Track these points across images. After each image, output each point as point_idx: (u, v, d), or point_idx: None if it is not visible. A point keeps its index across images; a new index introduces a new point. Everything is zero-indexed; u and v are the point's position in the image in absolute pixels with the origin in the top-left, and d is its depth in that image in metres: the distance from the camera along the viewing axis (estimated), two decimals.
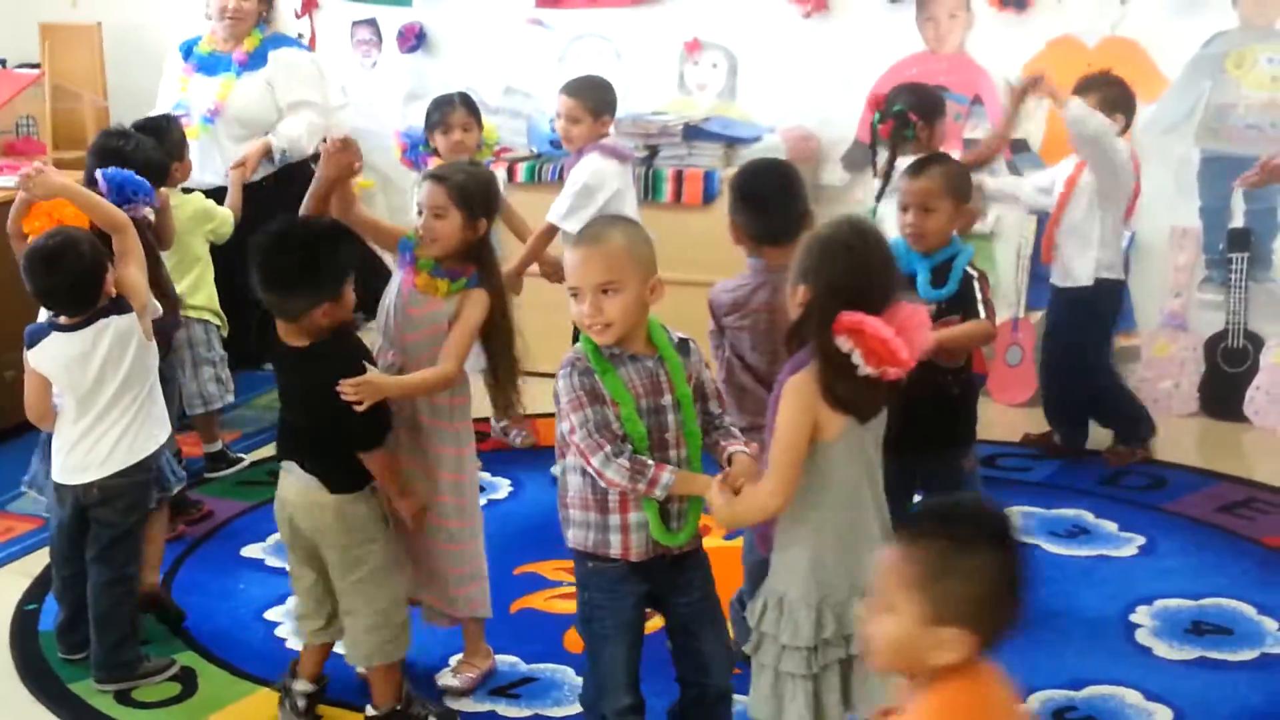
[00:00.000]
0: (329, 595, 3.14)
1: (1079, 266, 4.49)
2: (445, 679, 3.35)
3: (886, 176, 4.29)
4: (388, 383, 3.08)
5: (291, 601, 3.22)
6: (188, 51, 5.02)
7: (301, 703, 3.19)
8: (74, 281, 3.25)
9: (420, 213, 3.18)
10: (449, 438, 3.27)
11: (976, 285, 3.30)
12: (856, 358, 2.44)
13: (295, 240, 3.01)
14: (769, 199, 3.23)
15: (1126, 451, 4.64)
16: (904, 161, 4.27)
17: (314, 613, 3.17)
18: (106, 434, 3.33)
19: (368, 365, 3.04)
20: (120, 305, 3.34)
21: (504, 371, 3.25)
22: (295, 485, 3.07)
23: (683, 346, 2.72)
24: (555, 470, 3.03)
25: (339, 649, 3.22)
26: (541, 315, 5.12)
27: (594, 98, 4.53)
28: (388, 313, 3.24)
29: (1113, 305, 4.62)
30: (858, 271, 2.51)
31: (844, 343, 2.45)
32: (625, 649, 2.74)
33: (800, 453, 2.51)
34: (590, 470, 2.62)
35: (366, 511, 3.08)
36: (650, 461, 2.60)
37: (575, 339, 2.75)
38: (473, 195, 3.13)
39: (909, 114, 4.29)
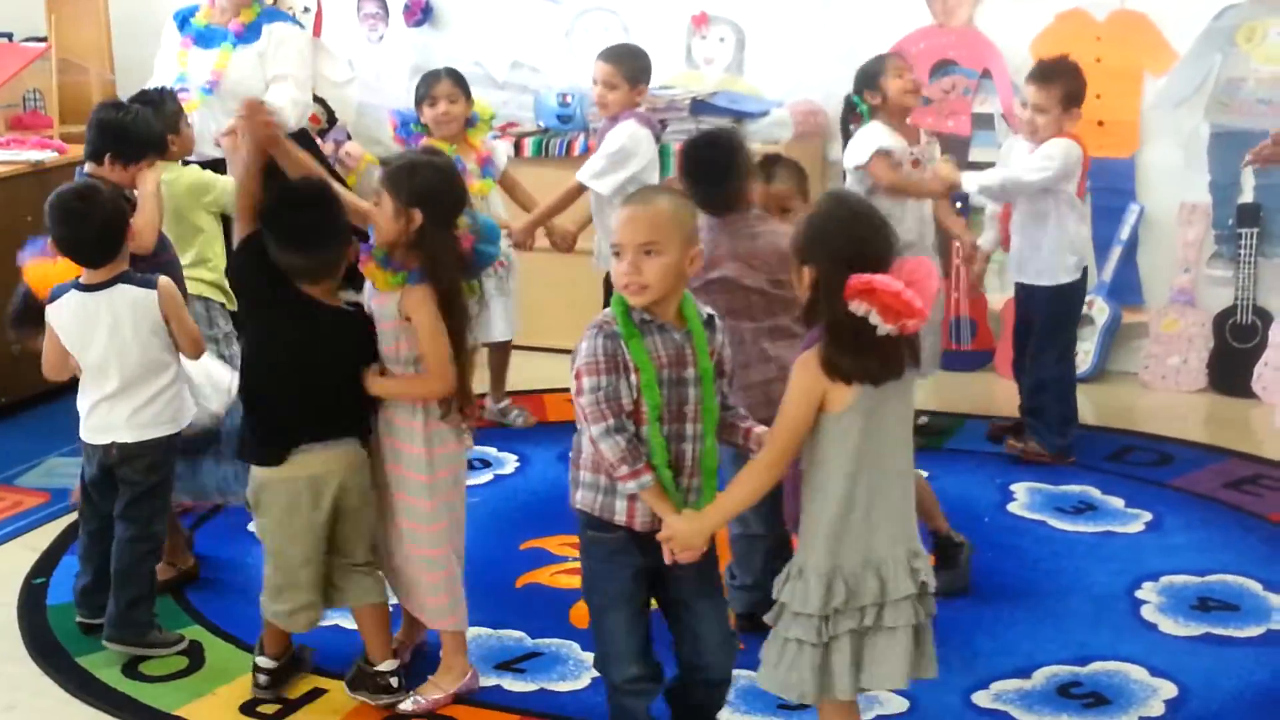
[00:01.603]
0: (317, 583, 3.18)
1: (1032, 266, 4.43)
2: (404, 705, 3.21)
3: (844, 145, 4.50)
4: (385, 384, 3.11)
5: (294, 597, 3.15)
6: (183, 21, 4.96)
7: (263, 678, 3.23)
8: (98, 233, 3.30)
9: None
10: (418, 437, 3.15)
11: None
12: (874, 318, 2.47)
13: (303, 198, 3.05)
14: (707, 171, 3.32)
15: (1034, 451, 4.45)
16: (871, 128, 4.38)
17: (316, 602, 3.18)
18: (122, 403, 3.35)
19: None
20: (145, 279, 3.36)
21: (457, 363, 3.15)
22: (337, 456, 3.11)
23: (709, 322, 2.75)
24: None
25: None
26: (541, 291, 5.15)
27: (631, 65, 4.60)
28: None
29: (1065, 307, 4.46)
30: (854, 237, 2.54)
31: (859, 306, 2.47)
32: (625, 619, 2.75)
33: (799, 429, 2.54)
34: (587, 434, 2.65)
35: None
36: (644, 456, 2.64)
37: (606, 304, 2.76)
38: (400, 183, 3.05)
39: (851, 96, 4.44)
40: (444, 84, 4.64)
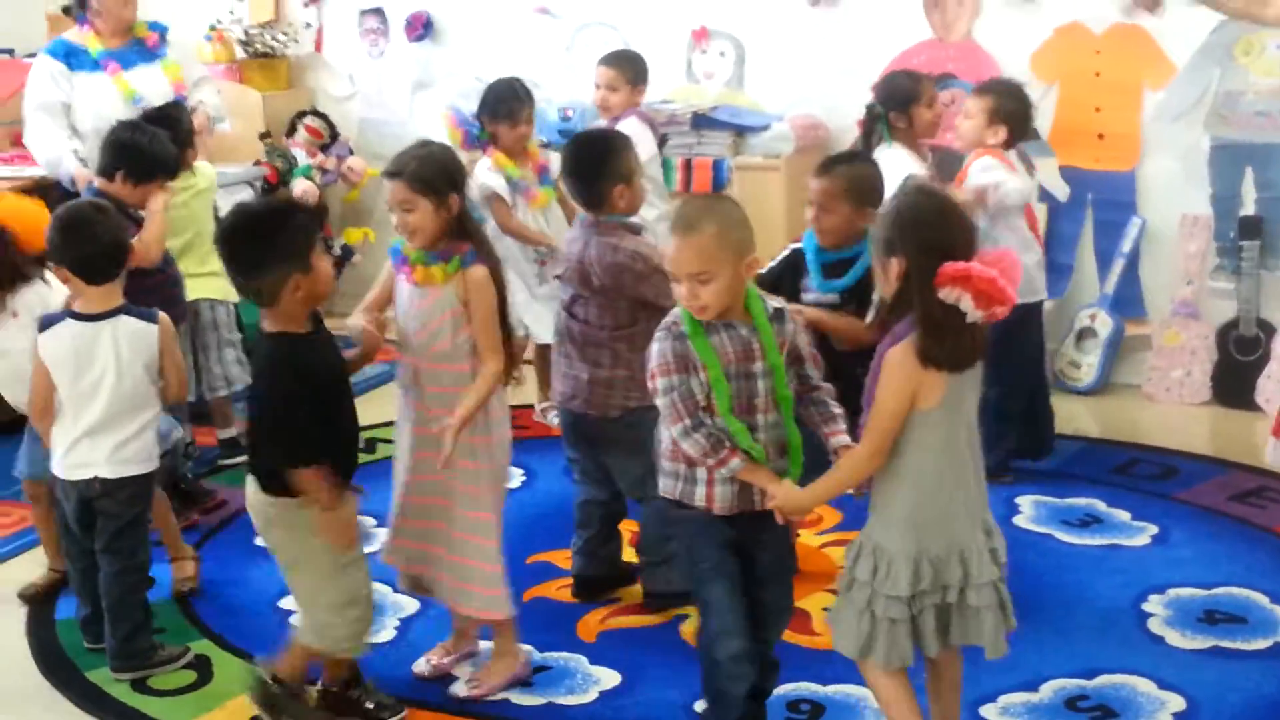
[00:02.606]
0: None
1: None
2: (457, 688, 3.30)
3: None
4: (467, 404, 3.11)
5: None
6: (67, 54, 4.84)
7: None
8: (105, 249, 3.30)
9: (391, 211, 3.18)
10: (478, 426, 3.19)
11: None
12: (965, 304, 2.55)
13: (246, 218, 3.01)
14: (581, 169, 3.50)
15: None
16: (891, 151, 4.33)
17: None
18: (105, 437, 3.32)
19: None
20: (146, 313, 3.36)
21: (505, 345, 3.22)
22: (250, 485, 3.06)
23: (777, 315, 2.84)
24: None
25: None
26: None
27: (631, 68, 4.87)
28: (400, 323, 3.22)
29: (1023, 331, 4.30)
30: (942, 226, 2.63)
31: (950, 294, 2.55)
32: (728, 589, 2.82)
33: (898, 420, 2.63)
34: (670, 433, 2.77)
35: (295, 515, 3.00)
36: (726, 444, 2.74)
37: None
38: (431, 179, 3.11)
39: (877, 107, 4.41)
40: (528, 109, 4.78)
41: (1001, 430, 4.30)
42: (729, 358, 2.76)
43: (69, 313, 3.34)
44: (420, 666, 3.37)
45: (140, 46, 4.83)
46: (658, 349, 2.78)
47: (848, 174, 3.55)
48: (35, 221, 3.59)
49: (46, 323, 3.34)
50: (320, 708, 3.13)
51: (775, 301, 2.87)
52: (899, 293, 2.65)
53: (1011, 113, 4.28)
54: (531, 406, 5.07)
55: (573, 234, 3.55)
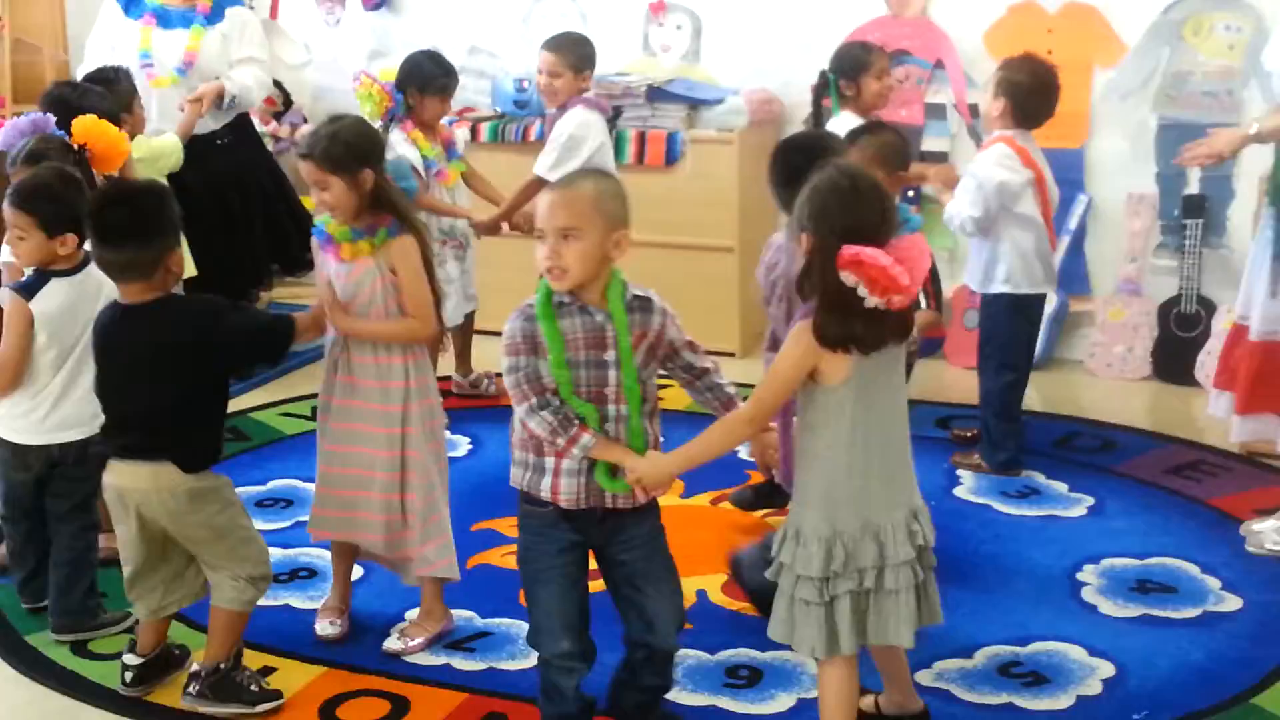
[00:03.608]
0: (160, 569, 3.11)
1: (969, 268, 4.38)
2: (390, 642, 3.34)
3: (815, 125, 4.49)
4: (360, 324, 3.16)
5: (132, 587, 3.14)
6: (128, 3, 4.97)
7: (129, 675, 3.17)
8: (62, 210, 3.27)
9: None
10: (394, 394, 3.25)
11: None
12: (862, 290, 2.54)
13: (129, 192, 3.07)
14: (794, 178, 3.31)
15: (974, 464, 4.35)
16: (840, 119, 4.37)
17: (148, 591, 3.12)
18: (80, 397, 3.31)
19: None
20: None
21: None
22: (140, 474, 2.98)
23: (642, 304, 2.72)
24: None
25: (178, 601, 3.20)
26: (508, 275, 5.16)
27: (574, 53, 4.67)
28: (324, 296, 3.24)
29: (991, 320, 4.31)
30: (851, 209, 2.60)
31: (848, 277, 2.54)
32: (557, 594, 2.77)
33: (786, 391, 2.65)
34: (516, 415, 2.71)
35: (217, 480, 3.05)
36: (576, 422, 2.66)
37: None
38: (340, 155, 3.12)
39: (829, 74, 4.44)
40: (455, 85, 4.76)
41: (1007, 429, 4.30)
42: (578, 344, 2.65)
43: (49, 273, 3.28)
44: (392, 644, 3.35)
45: (190, 11, 4.95)
46: (508, 329, 2.69)
47: (877, 142, 3.54)
48: (112, 142, 3.64)
49: (30, 287, 3.27)
50: (203, 692, 3.08)
51: (643, 291, 2.73)
52: (805, 268, 2.63)
53: (1015, 86, 4.15)
54: (450, 378, 5.07)
55: (778, 247, 3.28)
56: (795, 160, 3.13)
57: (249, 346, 3.12)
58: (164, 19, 4.94)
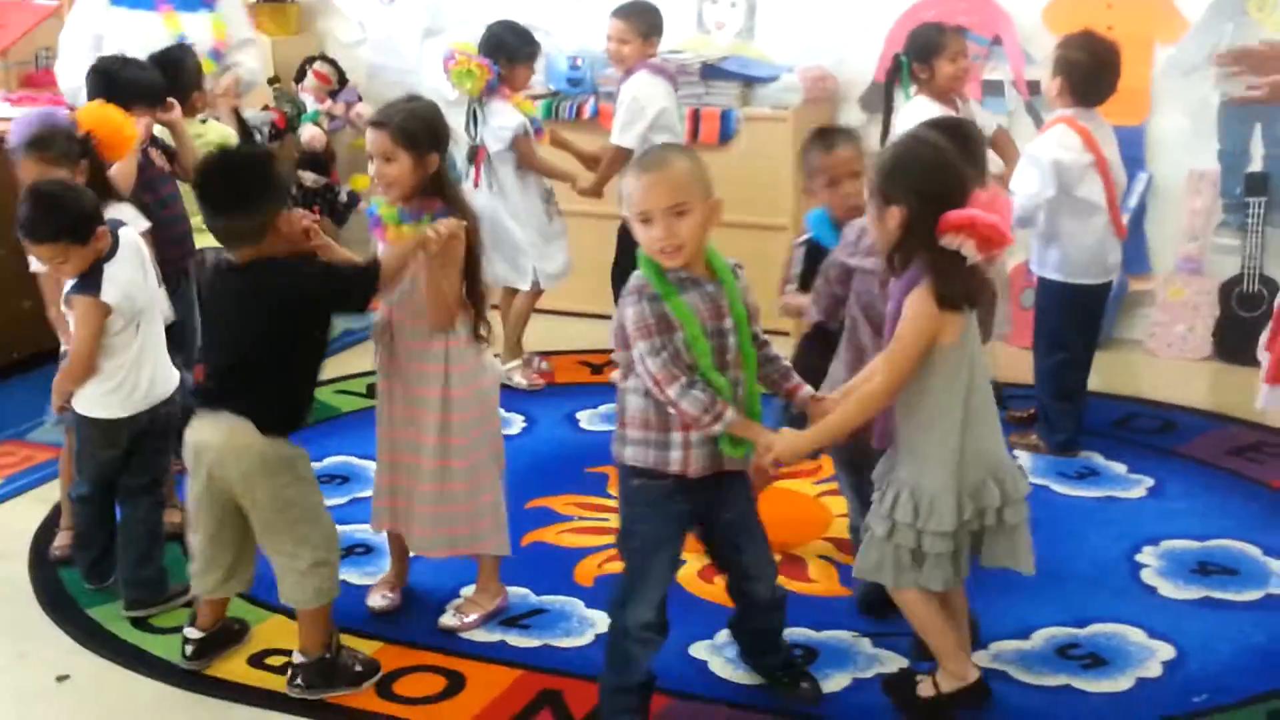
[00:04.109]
0: (230, 548, 3.11)
1: (1038, 258, 4.29)
2: (446, 618, 3.36)
3: (886, 121, 4.47)
4: (437, 267, 3.12)
5: (195, 559, 3.16)
6: None
7: (189, 649, 3.21)
8: (83, 213, 3.28)
9: (370, 160, 3.19)
10: (432, 379, 3.24)
11: None
12: (967, 249, 2.61)
13: (235, 159, 3.07)
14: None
15: (1032, 444, 4.31)
16: (913, 103, 4.33)
17: (211, 567, 3.13)
18: (154, 356, 3.38)
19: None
20: (117, 223, 3.37)
21: (474, 297, 3.26)
22: (218, 430, 2.98)
23: (736, 270, 2.81)
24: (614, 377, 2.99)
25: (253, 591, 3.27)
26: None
27: (643, 20, 4.82)
28: None
29: (1046, 300, 4.27)
30: (939, 174, 2.67)
31: (952, 240, 2.61)
32: (662, 565, 2.84)
33: (917, 361, 2.70)
34: (663, 397, 2.69)
35: (293, 451, 3.05)
36: (718, 398, 2.70)
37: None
38: (415, 133, 3.12)
39: (902, 57, 4.41)
40: (539, 53, 4.91)
41: (1063, 409, 4.28)
42: (703, 316, 2.69)
43: (99, 264, 3.28)
44: (449, 620, 3.37)
45: None
46: (634, 313, 2.68)
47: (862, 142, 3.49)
48: (117, 128, 3.62)
49: (90, 284, 3.26)
50: (310, 682, 3.10)
51: (731, 259, 2.80)
52: (900, 240, 2.68)
53: (1072, 64, 4.07)
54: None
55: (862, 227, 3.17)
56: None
57: (336, 293, 3.02)
58: (180, 2, 4.84)
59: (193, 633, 3.21)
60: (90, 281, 3.27)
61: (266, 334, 2.97)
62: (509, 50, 4.79)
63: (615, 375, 2.89)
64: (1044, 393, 4.30)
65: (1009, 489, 2.80)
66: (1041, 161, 4.08)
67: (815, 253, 3.40)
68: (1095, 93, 4.13)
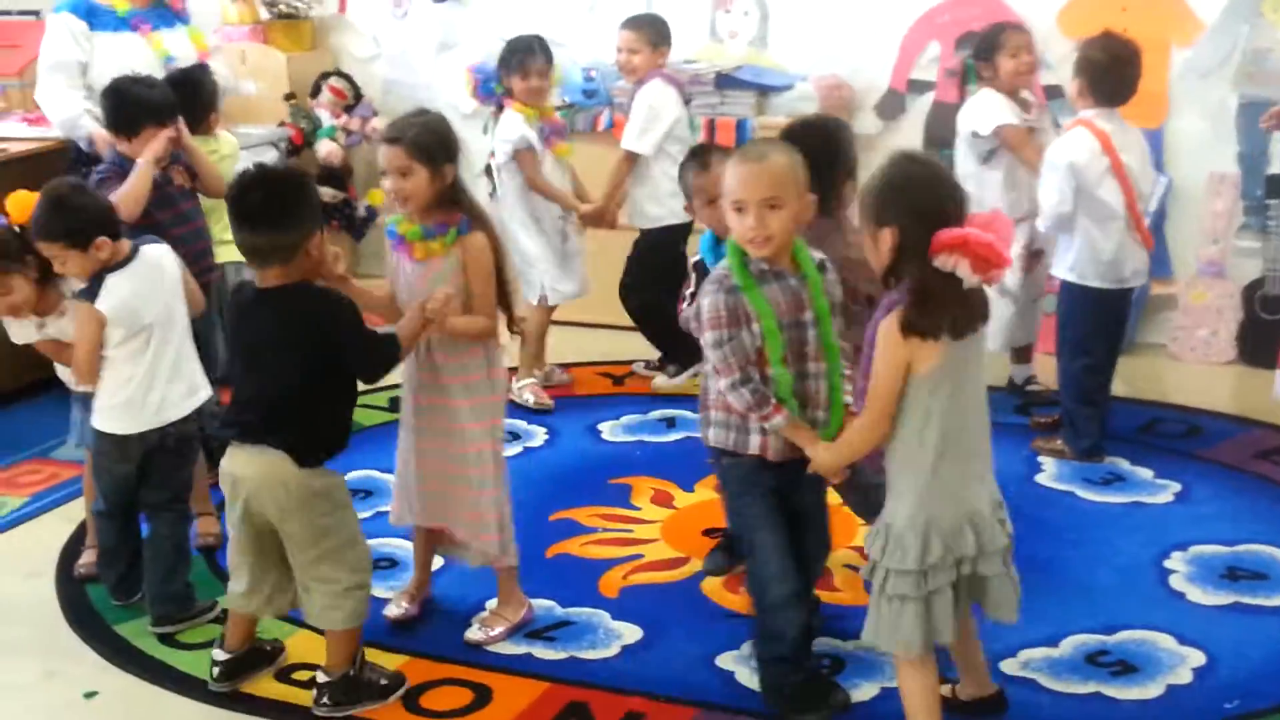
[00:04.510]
0: (272, 571, 3.10)
1: (1058, 260, 4.28)
2: (471, 632, 3.35)
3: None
4: (453, 321, 3.14)
5: (233, 581, 3.14)
6: (88, 12, 4.72)
7: (217, 670, 3.18)
8: (93, 218, 3.29)
9: (384, 175, 3.20)
10: (459, 390, 3.25)
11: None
12: (963, 270, 2.51)
13: (274, 177, 3.03)
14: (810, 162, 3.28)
15: (1056, 449, 4.29)
16: (980, 96, 4.47)
17: (253, 591, 3.11)
18: (169, 375, 3.36)
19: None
20: (149, 239, 3.38)
21: (504, 301, 3.30)
22: (254, 462, 2.97)
23: (822, 265, 2.88)
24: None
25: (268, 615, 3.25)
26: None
27: (651, 30, 4.89)
28: (404, 299, 3.23)
29: (1068, 304, 4.24)
30: (932, 193, 2.59)
31: (946, 261, 2.51)
32: (778, 534, 2.91)
33: (893, 392, 2.62)
34: (717, 386, 2.83)
35: (330, 480, 3.05)
36: (771, 400, 2.78)
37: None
38: (430, 146, 3.13)
39: (969, 58, 4.57)
40: (540, 60, 4.75)
41: (1088, 414, 4.25)
42: (781, 309, 2.79)
43: (104, 271, 3.29)
44: (474, 634, 3.36)
45: (164, 10, 4.80)
46: (710, 301, 2.80)
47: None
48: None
49: (92, 291, 3.28)
50: (336, 699, 3.09)
51: (818, 254, 2.90)
52: (893, 263, 2.59)
53: (1091, 64, 4.07)
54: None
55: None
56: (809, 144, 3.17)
57: (362, 351, 3.02)
58: (156, 21, 4.77)
59: (220, 654, 3.20)
60: (91, 289, 3.29)
61: (307, 366, 2.96)
62: (503, 60, 4.78)
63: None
64: (1067, 398, 4.28)
65: (985, 537, 2.66)
66: (1058, 166, 4.08)
67: (702, 272, 3.33)
68: (1115, 93, 4.11)
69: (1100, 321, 4.21)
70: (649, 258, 4.90)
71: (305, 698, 3.14)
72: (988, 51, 4.48)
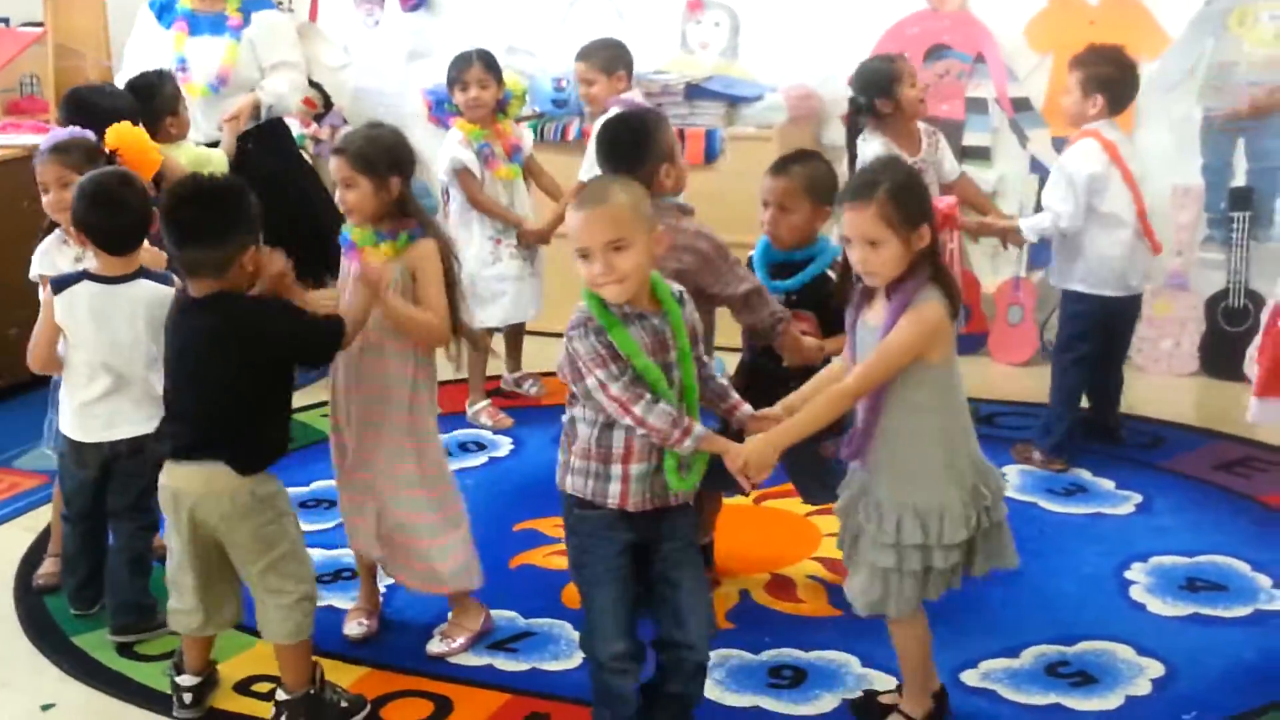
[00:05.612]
0: (215, 587, 3.05)
1: (1060, 272, 4.34)
2: (433, 645, 3.35)
3: (850, 159, 4.37)
4: (398, 302, 3.13)
5: (174, 599, 3.07)
6: (161, 9, 4.94)
7: (188, 697, 3.13)
8: (133, 221, 3.27)
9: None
10: (403, 408, 3.25)
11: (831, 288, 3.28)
12: (942, 239, 2.82)
13: (210, 189, 2.96)
14: (620, 153, 3.33)
15: (1041, 459, 4.34)
16: (870, 143, 4.29)
17: (197, 608, 3.06)
18: (127, 396, 3.33)
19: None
20: (163, 276, 3.33)
21: (453, 314, 3.26)
22: (194, 477, 2.94)
23: (681, 299, 2.75)
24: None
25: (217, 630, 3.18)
26: (549, 277, 5.16)
27: (603, 56, 4.73)
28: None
29: (1067, 312, 4.35)
30: (925, 191, 2.85)
31: (944, 235, 2.91)
32: (614, 594, 2.76)
33: (896, 371, 2.73)
34: (630, 419, 2.63)
35: (271, 488, 3.00)
36: (685, 414, 2.68)
37: None
38: (373, 158, 3.13)
39: (859, 98, 4.33)
40: (475, 69, 4.65)
41: (1060, 413, 4.31)
42: (647, 349, 2.65)
43: (84, 274, 3.29)
44: (435, 647, 3.36)
45: (221, 20, 4.89)
46: (585, 346, 2.64)
47: (807, 172, 3.43)
48: (144, 149, 3.64)
49: (61, 283, 3.29)
50: (294, 718, 3.05)
51: (673, 284, 2.76)
52: (926, 254, 2.74)
53: (1106, 79, 4.14)
54: (500, 377, 5.08)
55: None
56: (620, 137, 3.34)
57: (299, 344, 3.00)
58: (194, 25, 4.89)
59: (188, 679, 3.14)
60: (64, 279, 3.29)
61: (240, 378, 2.91)
62: (448, 77, 4.69)
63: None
64: (1057, 398, 4.35)
65: (993, 485, 2.84)
66: (1078, 179, 4.12)
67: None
68: (1126, 101, 4.25)
69: (1101, 328, 4.30)
70: None
71: (264, 710, 3.12)
72: (885, 86, 4.27)
